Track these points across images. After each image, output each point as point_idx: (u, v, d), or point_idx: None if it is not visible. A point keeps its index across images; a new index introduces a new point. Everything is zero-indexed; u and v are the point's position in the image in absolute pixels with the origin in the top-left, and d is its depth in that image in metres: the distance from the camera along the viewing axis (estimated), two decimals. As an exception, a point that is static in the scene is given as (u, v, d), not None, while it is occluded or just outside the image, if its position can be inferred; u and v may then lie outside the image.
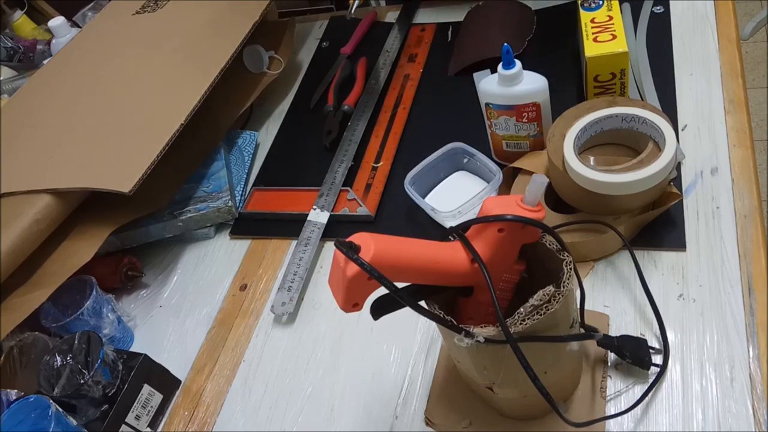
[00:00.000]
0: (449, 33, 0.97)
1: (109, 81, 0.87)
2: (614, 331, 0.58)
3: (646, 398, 0.53)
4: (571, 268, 0.44)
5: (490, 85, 0.67)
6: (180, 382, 0.69)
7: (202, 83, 0.80)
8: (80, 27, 1.17)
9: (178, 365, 0.69)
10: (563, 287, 0.43)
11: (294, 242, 0.77)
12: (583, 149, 0.63)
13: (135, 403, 0.63)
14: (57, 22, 1.10)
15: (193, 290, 0.78)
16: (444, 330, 0.45)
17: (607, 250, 0.63)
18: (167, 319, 0.75)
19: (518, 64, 0.65)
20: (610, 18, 0.70)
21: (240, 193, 0.85)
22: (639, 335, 0.57)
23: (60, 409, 0.58)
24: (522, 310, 0.43)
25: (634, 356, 0.54)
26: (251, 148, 0.90)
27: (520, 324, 0.42)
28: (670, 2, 0.85)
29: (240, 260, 0.79)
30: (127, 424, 0.62)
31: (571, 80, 0.81)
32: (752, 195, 0.63)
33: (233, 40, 0.86)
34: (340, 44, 1.01)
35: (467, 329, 0.42)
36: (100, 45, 0.96)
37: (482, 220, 0.44)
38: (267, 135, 0.94)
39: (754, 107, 1.78)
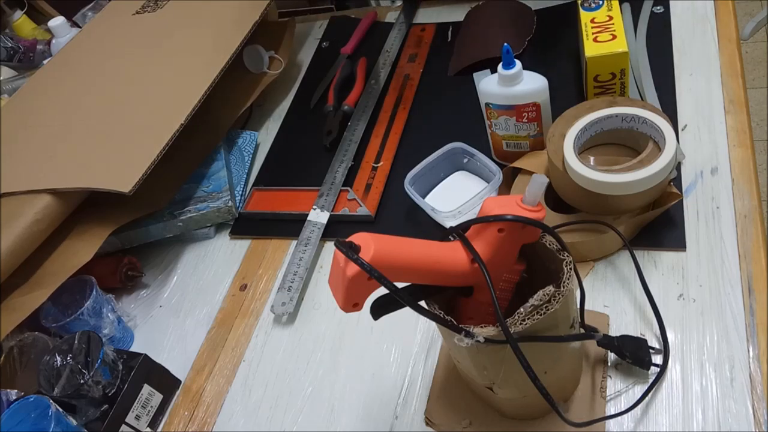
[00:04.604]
0: (449, 33, 0.97)
1: (109, 81, 0.87)
2: (614, 331, 0.58)
3: (646, 398, 0.53)
4: (571, 268, 0.44)
5: (490, 85, 0.67)
6: (180, 382, 0.69)
7: (202, 83, 0.80)
8: (80, 27, 1.17)
9: (178, 365, 0.69)
10: (563, 287, 0.43)
11: (294, 242, 0.77)
12: (583, 149, 0.63)
13: (135, 403, 0.63)
14: (57, 22, 1.10)
15: (193, 290, 0.78)
16: (444, 330, 0.45)
17: (607, 250, 0.63)
18: (167, 319, 0.75)
19: (518, 64, 0.65)
20: (610, 18, 0.70)
21: (240, 193, 0.85)
22: (639, 335, 0.57)
23: (60, 409, 0.58)
24: (522, 310, 0.43)
25: (634, 356, 0.54)
26: (251, 148, 0.90)
27: (520, 324, 0.42)
28: (670, 2, 0.85)
29: (240, 260, 0.79)
30: (127, 424, 0.62)
31: (571, 80, 0.81)
32: (752, 195, 0.63)
33: (233, 40, 0.86)
34: (340, 44, 1.01)
35: (467, 329, 0.42)
36: (100, 45, 0.96)
37: (482, 220, 0.44)
38: (267, 135, 0.94)
39: (754, 107, 1.78)
